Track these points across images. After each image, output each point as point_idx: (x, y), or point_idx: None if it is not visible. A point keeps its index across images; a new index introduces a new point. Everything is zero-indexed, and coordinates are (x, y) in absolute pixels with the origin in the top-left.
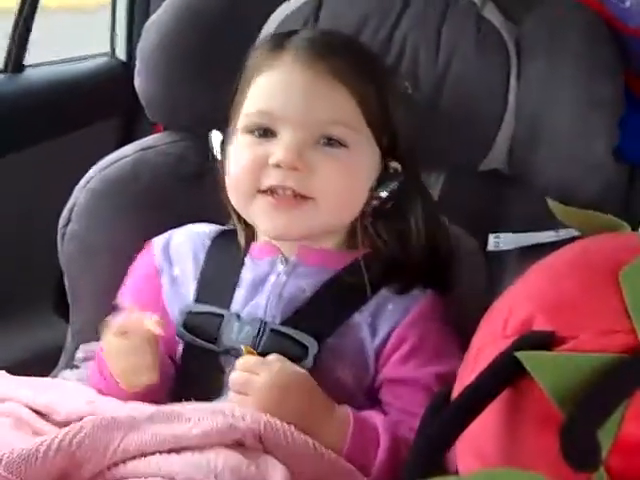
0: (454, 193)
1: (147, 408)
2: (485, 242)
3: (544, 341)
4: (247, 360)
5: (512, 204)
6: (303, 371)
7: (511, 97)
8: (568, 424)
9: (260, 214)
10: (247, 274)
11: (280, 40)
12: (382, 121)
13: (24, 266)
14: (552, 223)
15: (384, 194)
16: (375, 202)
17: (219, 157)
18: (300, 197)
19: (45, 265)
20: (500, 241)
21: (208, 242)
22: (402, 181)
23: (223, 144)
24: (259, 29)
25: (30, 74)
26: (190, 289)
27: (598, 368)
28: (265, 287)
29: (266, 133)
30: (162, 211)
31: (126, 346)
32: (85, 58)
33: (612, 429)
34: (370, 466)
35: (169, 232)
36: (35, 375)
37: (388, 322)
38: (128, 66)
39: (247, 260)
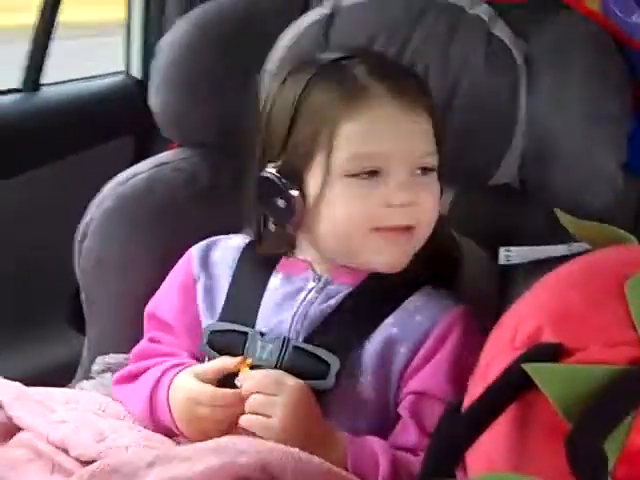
0: (464, 207)
1: (147, 455)
2: (496, 255)
3: (552, 353)
4: (260, 381)
5: (523, 218)
6: (305, 386)
7: (521, 113)
8: (574, 435)
9: (374, 251)
10: (278, 289)
11: (352, 80)
12: (440, 139)
13: (40, 280)
14: (563, 237)
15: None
16: None
17: (288, 190)
18: (407, 228)
19: (60, 279)
20: (511, 255)
21: (238, 255)
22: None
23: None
24: (271, 47)
25: (46, 93)
26: (221, 302)
27: (605, 380)
28: (294, 304)
29: (371, 174)
30: (176, 226)
31: (208, 415)
32: (100, 76)
33: (619, 440)
34: None
35: (209, 240)
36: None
37: (418, 332)
38: (143, 84)
39: (278, 275)
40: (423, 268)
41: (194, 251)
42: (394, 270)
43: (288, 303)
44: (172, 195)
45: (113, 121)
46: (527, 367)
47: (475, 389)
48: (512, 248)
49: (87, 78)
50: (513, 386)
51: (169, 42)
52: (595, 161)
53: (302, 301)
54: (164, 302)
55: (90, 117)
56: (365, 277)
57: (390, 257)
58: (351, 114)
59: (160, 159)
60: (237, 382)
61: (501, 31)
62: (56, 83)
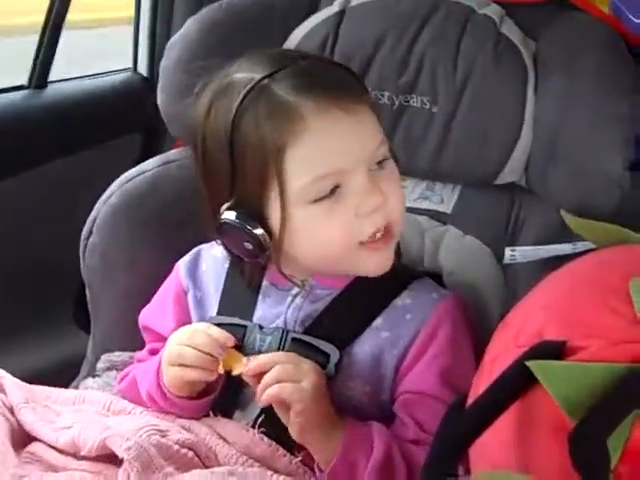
0: (470, 205)
1: None
2: (501, 253)
3: (556, 351)
4: (285, 369)
5: (528, 216)
6: (314, 364)
7: (528, 112)
8: (578, 432)
9: (363, 263)
10: (265, 295)
11: (281, 102)
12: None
13: (46, 277)
14: (569, 236)
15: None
16: None
17: (254, 230)
18: (389, 228)
19: (65, 277)
20: (517, 254)
21: (227, 264)
22: None
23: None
24: (280, 47)
25: (54, 89)
26: (213, 311)
27: (608, 378)
28: (281, 308)
29: (331, 191)
30: (182, 224)
31: (197, 358)
32: (108, 73)
33: (622, 437)
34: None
35: (194, 252)
36: (54, 385)
37: (408, 332)
38: (150, 81)
39: (265, 282)
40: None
41: (181, 264)
42: (384, 271)
43: (276, 311)
44: (178, 193)
45: (120, 118)
46: (531, 364)
47: (479, 386)
48: (517, 247)
49: (94, 75)
50: (517, 383)
51: (177, 42)
52: (602, 161)
53: (289, 306)
54: (158, 317)
55: (97, 114)
56: (351, 280)
57: (379, 263)
58: (291, 140)
59: (166, 157)
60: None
61: (510, 31)
62: (64, 80)
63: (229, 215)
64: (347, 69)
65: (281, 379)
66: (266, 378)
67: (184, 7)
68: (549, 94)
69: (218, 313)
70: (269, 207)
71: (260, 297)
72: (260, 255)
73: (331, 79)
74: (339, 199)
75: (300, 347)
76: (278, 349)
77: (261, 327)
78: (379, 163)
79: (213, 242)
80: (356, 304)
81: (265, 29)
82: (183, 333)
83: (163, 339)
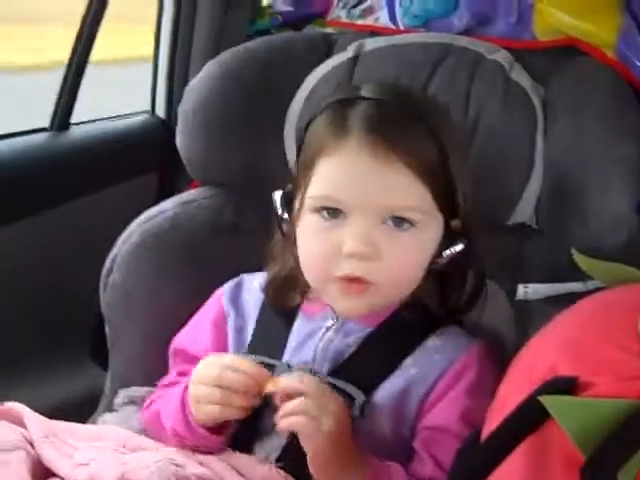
0: (481, 246)
1: None
2: (512, 292)
3: (568, 386)
4: (307, 405)
5: (538, 256)
6: (342, 404)
7: (537, 155)
8: (589, 466)
9: (333, 298)
10: (299, 328)
11: (342, 121)
12: (445, 186)
13: (64, 314)
14: (578, 275)
15: (444, 260)
16: (436, 266)
17: (282, 215)
18: (365, 282)
19: (83, 313)
20: (529, 290)
21: (262, 298)
22: (464, 242)
23: (288, 208)
24: (294, 93)
25: (75, 131)
26: (248, 341)
27: (618, 413)
28: (313, 341)
29: (334, 213)
30: (201, 262)
31: (233, 382)
32: (127, 116)
33: (632, 472)
34: None
35: (237, 280)
36: (71, 421)
37: (435, 371)
38: (167, 124)
39: (300, 317)
40: (438, 305)
41: (225, 289)
42: (354, 317)
43: (308, 343)
44: (197, 232)
45: (138, 159)
46: (544, 399)
47: (493, 421)
48: (530, 285)
49: (114, 117)
50: (530, 418)
51: (196, 86)
52: (610, 202)
53: (320, 339)
54: (195, 338)
55: (116, 155)
56: (385, 318)
57: (346, 306)
58: (329, 154)
59: (186, 197)
60: (268, 390)
61: (519, 76)
62: (85, 122)
63: (279, 192)
64: (419, 124)
65: (301, 413)
66: (289, 405)
67: (201, 51)
68: (557, 138)
69: (250, 344)
70: (296, 200)
71: (294, 329)
72: (280, 226)
73: (395, 125)
74: (335, 225)
75: None
76: None
77: (289, 366)
78: (397, 222)
79: (254, 273)
80: (388, 345)
81: (282, 73)
82: (208, 374)
83: (196, 360)
